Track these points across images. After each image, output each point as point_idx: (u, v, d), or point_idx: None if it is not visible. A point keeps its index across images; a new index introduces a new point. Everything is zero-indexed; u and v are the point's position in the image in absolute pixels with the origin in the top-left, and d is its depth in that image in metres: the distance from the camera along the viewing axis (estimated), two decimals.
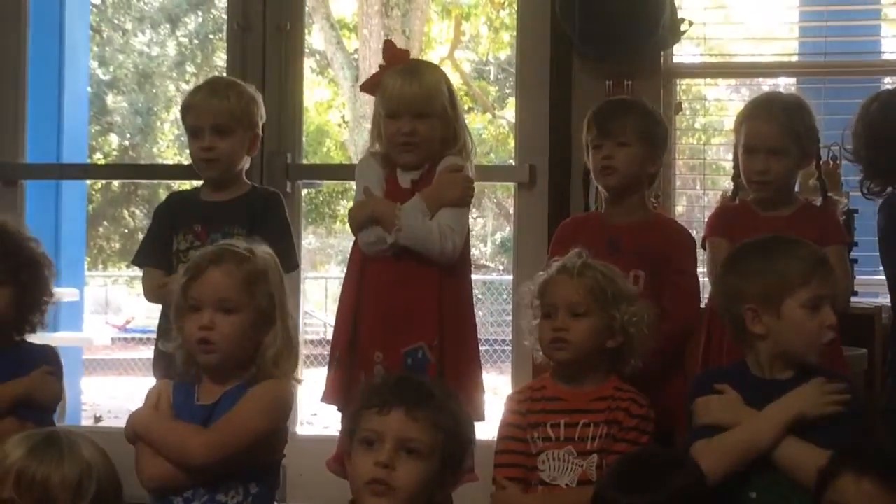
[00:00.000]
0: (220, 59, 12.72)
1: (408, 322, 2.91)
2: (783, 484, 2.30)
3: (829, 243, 2.90)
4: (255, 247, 2.47)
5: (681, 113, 4.02)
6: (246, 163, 3.28)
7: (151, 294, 3.17)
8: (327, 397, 3.02)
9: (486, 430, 2.77)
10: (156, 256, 3.20)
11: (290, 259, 3.15)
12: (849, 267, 3.03)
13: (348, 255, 3.09)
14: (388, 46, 3.13)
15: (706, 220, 3.26)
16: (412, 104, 2.95)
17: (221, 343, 2.36)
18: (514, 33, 4.06)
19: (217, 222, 3.14)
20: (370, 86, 3.07)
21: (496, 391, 4.92)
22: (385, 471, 2.05)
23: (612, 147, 2.96)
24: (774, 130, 2.95)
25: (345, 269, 3.12)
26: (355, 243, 3.04)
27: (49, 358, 2.77)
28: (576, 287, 2.55)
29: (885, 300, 3.16)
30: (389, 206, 2.93)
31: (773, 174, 2.96)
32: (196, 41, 13.87)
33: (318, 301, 12.13)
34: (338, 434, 3.10)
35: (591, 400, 2.53)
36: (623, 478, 2.19)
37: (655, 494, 2.13)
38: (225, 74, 4.15)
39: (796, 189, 3.09)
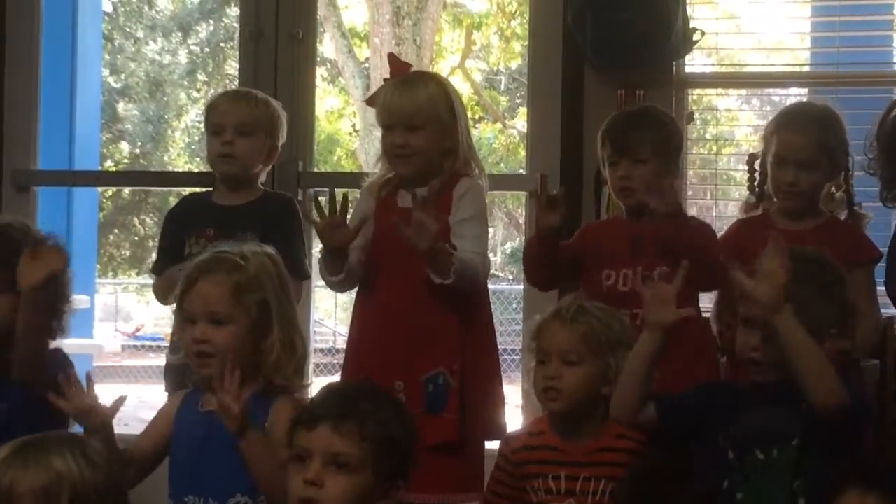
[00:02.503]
0: (232, 68, 12.82)
1: (428, 347, 2.85)
2: (768, 487, 2.31)
3: (857, 262, 2.88)
4: (254, 250, 2.45)
5: (692, 123, 4.01)
6: (262, 172, 3.29)
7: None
8: None
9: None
10: (173, 263, 3.18)
11: (301, 267, 3.15)
12: (873, 291, 2.96)
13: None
14: (391, 59, 3.12)
15: (720, 232, 3.24)
16: (403, 116, 2.92)
17: (217, 355, 2.35)
18: (525, 43, 4.07)
19: (229, 227, 3.13)
20: (372, 100, 3.06)
21: (506, 400, 4.89)
22: (313, 488, 2.03)
23: (628, 166, 2.92)
24: (806, 143, 2.92)
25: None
26: (367, 262, 2.99)
27: (59, 365, 2.65)
28: (568, 334, 2.51)
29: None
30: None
31: (802, 187, 2.93)
32: (207, 49, 13.93)
33: (328, 309, 12.14)
34: None
35: (591, 452, 2.50)
36: (636, 492, 2.18)
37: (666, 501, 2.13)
38: (237, 83, 4.17)
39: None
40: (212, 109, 3.29)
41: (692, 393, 2.51)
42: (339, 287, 2.97)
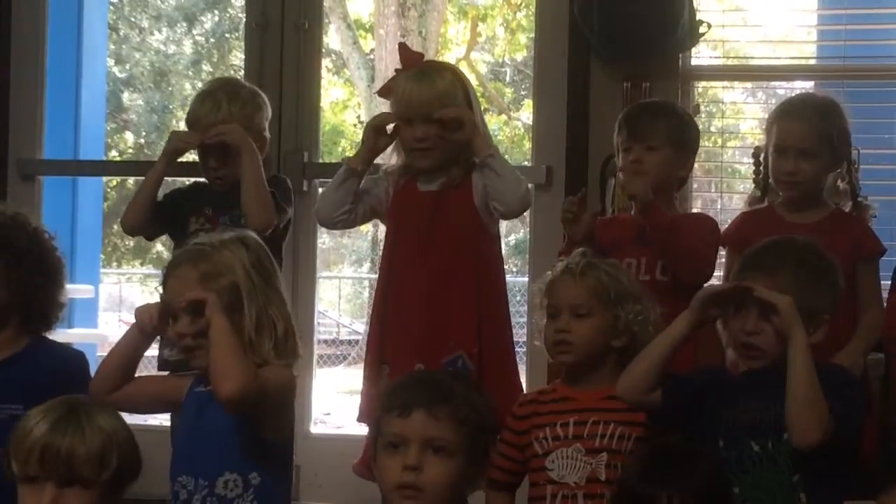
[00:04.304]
0: (236, 58, 12.81)
1: (446, 330, 2.87)
2: (767, 480, 2.30)
3: (861, 256, 2.89)
4: (224, 238, 2.45)
5: (698, 116, 4.01)
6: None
7: None
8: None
9: None
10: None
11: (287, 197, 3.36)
12: (878, 285, 2.95)
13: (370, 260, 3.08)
14: (403, 49, 3.09)
15: (725, 226, 3.24)
16: (422, 108, 2.90)
17: (201, 343, 2.37)
18: (531, 35, 4.07)
19: (226, 205, 3.26)
20: (385, 91, 3.04)
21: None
22: (413, 473, 2.06)
23: (641, 151, 2.95)
24: (806, 131, 2.92)
25: (358, 270, 3.11)
26: (385, 248, 3.03)
27: (73, 366, 2.64)
28: (578, 288, 2.54)
29: None
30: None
31: (801, 175, 2.93)
32: (212, 40, 13.91)
33: (332, 301, 12.14)
34: (356, 435, 3.09)
35: (602, 399, 2.52)
36: (648, 468, 2.17)
37: (682, 484, 2.10)
38: (242, 74, 4.16)
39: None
40: (195, 123, 3.34)
41: (695, 375, 2.51)
42: (336, 218, 3.00)
